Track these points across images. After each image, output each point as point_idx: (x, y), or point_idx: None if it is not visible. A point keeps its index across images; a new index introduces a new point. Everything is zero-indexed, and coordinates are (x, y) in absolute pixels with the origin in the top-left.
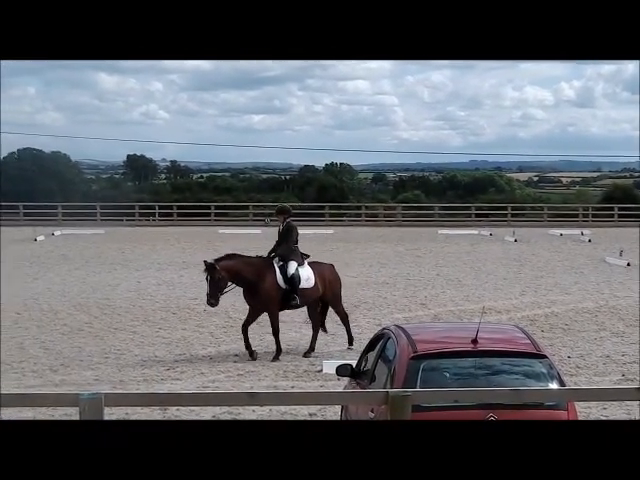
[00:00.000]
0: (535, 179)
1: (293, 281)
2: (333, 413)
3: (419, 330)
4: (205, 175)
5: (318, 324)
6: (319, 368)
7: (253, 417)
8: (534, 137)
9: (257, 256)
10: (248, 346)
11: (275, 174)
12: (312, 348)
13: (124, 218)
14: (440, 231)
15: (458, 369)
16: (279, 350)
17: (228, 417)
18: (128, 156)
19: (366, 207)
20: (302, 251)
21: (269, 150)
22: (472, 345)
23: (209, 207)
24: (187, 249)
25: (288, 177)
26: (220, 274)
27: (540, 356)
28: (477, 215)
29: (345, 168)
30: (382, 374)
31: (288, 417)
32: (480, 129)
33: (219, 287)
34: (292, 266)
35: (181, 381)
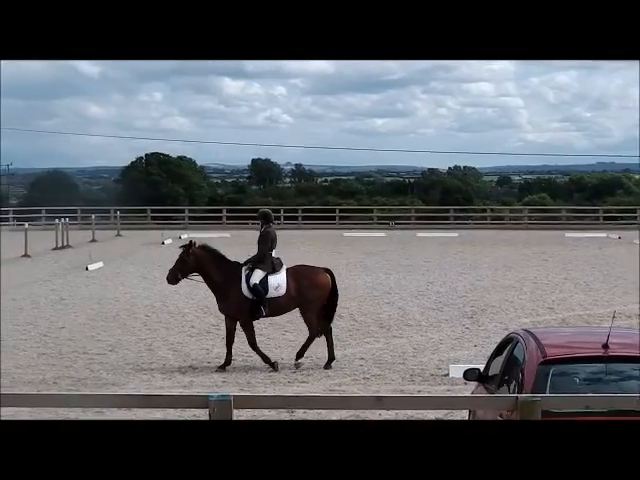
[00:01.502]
0: None
1: (256, 291)
2: (460, 418)
3: (548, 334)
4: (329, 178)
5: (315, 333)
6: (446, 372)
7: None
8: None
9: (234, 262)
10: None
11: (399, 177)
12: (300, 355)
13: (250, 222)
14: (567, 234)
15: (588, 375)
16: (266, 359)
17: None
18: (253, 160)
19: (491, 210)
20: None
21: (393, 153)
22: (603, 350)
23: (334, 210)
24: (311, 252)
25: (412, 180)
26: (188, 257)
27: None
28: (605, 218)
29: (470, 171)
30: (510, 379)
31: None
32: (607, 130)
33: (182, 268)
34: (256, 275)
35: (307, 384)
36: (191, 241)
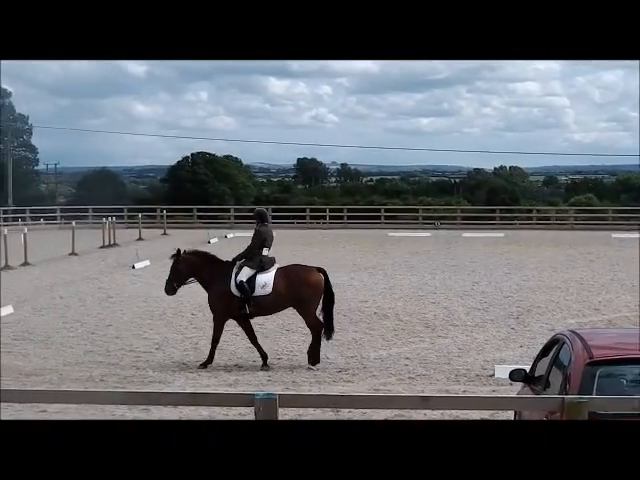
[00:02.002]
0: None
1: (242, 288)
2: (506, 418)
3: (594, 335)
4: (375, 178)
5: (318, 333)
6: (491, 372)
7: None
8: None
9: (226, 261)
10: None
11: (444, 177)
12: (315, 360)
13: (295, 221)
14: (614, 235)
15: (635, 376)
16: (210, 359)
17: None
18: (298, 159)
19: (537, 210)
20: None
21: (438, 153)
22: None
23: (379, 210)
24: (357, 252)
25: (457, 180)
26: (179, 265)
27: None
28: None
29: (515, 171)
30: (556, 380)
31: None
32: None
33: (177, 277)
34: (243, 273)
35: (353, 383)
36: (179, 249)
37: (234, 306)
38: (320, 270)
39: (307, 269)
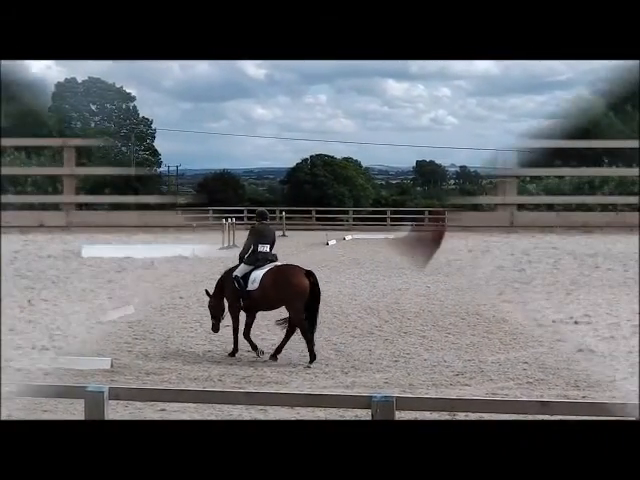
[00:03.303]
0: None
1: (237, 282)
2: None
3: None
4: (494, 180)
5: (290, 330)
6: (612, 378)
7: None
8: None
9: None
10: (254, 347)
11: None
12: (275, 355)
13: (413, 223)
14: None
15: None
16: (235, 348)
17: None
18: (417, 162)
19: None
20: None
21: None
22: None
23: None
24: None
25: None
26: (210, 304)
27: None
28: None
29: None
30: None
31: None
32: None
33: (215, 313)
34: (240, 268)
35: (470, 387)
36: (206, 290)
37: (235, 298)
38: (308, 273)
39: (294, 270)
